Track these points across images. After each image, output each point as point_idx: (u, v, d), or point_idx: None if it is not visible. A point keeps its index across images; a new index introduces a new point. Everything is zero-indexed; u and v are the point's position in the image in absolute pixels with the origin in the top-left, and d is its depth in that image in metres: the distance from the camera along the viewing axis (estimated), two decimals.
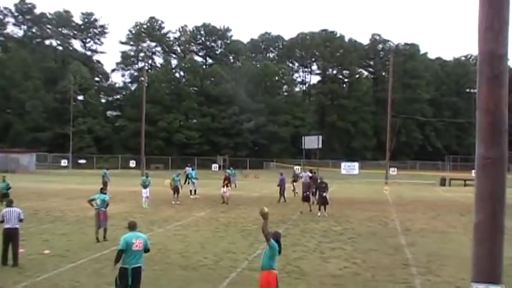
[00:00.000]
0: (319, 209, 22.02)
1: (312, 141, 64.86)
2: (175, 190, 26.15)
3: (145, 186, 24.64)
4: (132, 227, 9.16)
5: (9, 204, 12.71)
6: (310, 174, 30.89)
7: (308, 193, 23.51)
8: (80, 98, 77.02)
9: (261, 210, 8.44)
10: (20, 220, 12.51)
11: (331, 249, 14.80)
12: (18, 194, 26.35)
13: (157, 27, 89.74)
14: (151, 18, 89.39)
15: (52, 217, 20.47)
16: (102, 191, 16.45)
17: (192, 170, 32.14)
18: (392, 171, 52.91)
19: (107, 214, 15.98)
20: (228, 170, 38.32)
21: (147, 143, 63.84)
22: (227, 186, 26.80)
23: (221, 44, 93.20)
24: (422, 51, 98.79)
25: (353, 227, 19.33)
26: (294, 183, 32.30)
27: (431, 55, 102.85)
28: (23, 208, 13.76)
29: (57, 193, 31.06)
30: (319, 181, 23.74)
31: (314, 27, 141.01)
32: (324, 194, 22.16)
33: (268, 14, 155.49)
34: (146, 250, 9.04)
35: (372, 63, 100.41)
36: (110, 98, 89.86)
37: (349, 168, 55.19)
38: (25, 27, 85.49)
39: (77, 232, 16.99)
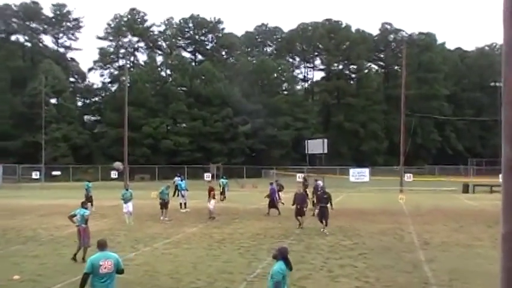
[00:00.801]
0: (325, 224, 21.36)
1: (316, 146, 65.16)
2: (163, 205, 25.96)
3: (126, 201, 24.54)
4: (101, 246, 9.10)
5: None
6: (321, 184, 31.02)
7: (302, 207, 22.63)
8: (53, 101, 76.87)
9: None
10: None
11: (340, 267, 14.77)
12: None
13: (139, 20, 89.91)
14: (132, 10, 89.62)
15: (23, 237, 20.38)
16: (83, 205, 16.51)
17: (182, 180, 32.06)
18: (408, 177, 52.85)
19: (87, 231, 15.97)
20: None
21: (131, 151, 63.80)
22: (214, 198, 26.55)
23: (212, 38, 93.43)
24: (439, 41, 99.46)
25: (364, 241, 19.31)
26: (279, 193, 32.46)
27: (450, 45, 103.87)
28: None
29: (28, 210, 30.91)
30: (319, 191, 22.84)
31: (317, 17, 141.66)
32: (326, 206, 21.38)
33: (265, 3, 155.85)
34: (119, 271, 8.97)
35: (382, 56, 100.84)
36: (88, 101, 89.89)
37: (359, 175, 55.13)
38: None
39: (51, 254, 16.90)
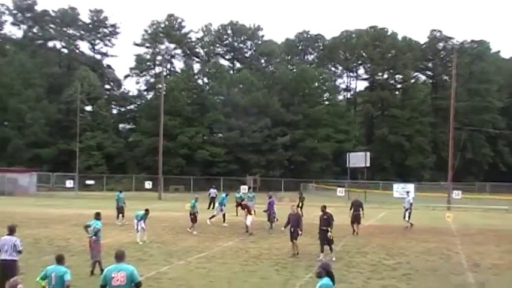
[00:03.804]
0: (330, 249, 19.35)
1: (358, 159, 64.69)
2: (193, 218, 26.19)
3: (138, 219, 22.66)
4: (117, 257, 9.30)
5: (10, 232, 12.91)
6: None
7: (296, 230, 19.80)
8: (88, 108, 78.42)
9: None
10: (19, 251, 12.71)
11: None
12: (17, 219, 26.92)
13: (176, 26, 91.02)
14: (170, 16, 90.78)
15: (55, 247, 20.72)
16: (97, 216, 16.72)
17: (226, 195, 32.10)
18: (456, 194, 51.99)
19: (98, 244, 16.17)
20: (238, 194, 37.24)
21: (165, 160, 64.59)
22: (250, 213, 26.57)
23: (251, 45, 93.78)
24: (493, 50, 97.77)
25: (408, 260, 19.05)
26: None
27: (505, 54, 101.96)
28: (22, 236, 14.00)
29: (61, 219, 31.52)
30: (321, 212, 19.99)
31: (361, 24, 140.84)
32: (326, 228, 19.23)
33: (307, 9, 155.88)
34: (137, 284, 9.08)
35: (430, 65, 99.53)
36: (123, 109, 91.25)
37: (403, 190, 54.49)
38: (25, 27, 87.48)
39: (83, 265, 17.14)
